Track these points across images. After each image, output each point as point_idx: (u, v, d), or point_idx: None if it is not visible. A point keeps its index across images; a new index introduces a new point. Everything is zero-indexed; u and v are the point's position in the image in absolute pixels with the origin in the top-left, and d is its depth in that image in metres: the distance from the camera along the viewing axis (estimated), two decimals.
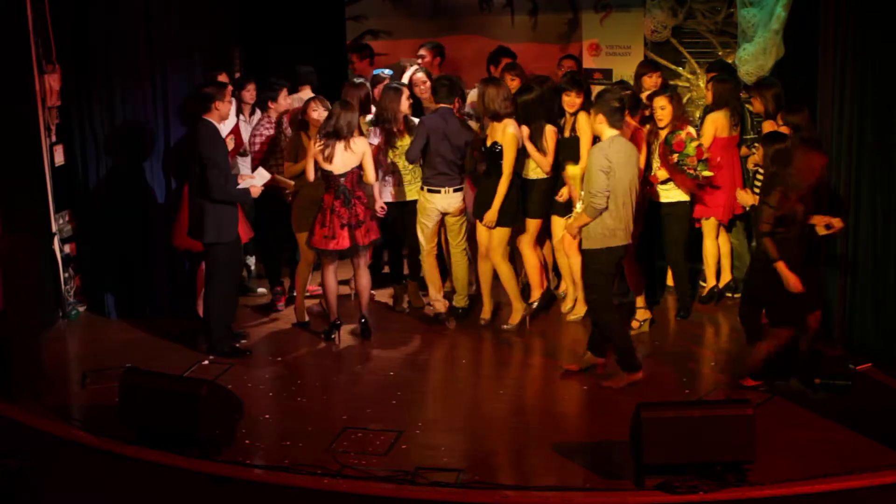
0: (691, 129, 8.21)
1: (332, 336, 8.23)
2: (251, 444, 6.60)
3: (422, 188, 8.38)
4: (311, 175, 7.93)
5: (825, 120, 7.56)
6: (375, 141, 8.49)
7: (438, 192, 8.29)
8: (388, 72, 9.44)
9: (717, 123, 8.37)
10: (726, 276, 8.75)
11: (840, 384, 7.09)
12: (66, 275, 8.79)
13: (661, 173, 8.21)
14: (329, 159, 7.82)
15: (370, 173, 7.98)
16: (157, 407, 6.46)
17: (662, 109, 8.10)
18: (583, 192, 7.21)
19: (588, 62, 10.26)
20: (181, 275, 8.84)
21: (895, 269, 7.27)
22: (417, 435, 6.72)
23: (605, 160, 6.96)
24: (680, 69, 9.65)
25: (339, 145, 7.83)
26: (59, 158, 8.72)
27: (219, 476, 6.24)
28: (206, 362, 7.86)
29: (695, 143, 8.06)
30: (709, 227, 8.58)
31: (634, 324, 8.24)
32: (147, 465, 6.38)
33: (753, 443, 5.90)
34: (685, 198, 8.32)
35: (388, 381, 7.60)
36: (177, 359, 7.83)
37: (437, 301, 8.59)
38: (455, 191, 8.33)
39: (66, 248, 8.81)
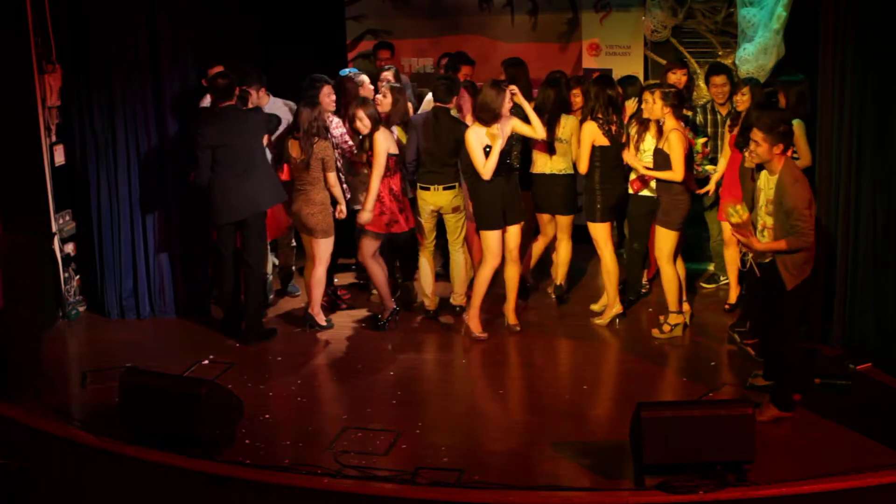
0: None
1: (388, 323, 8.41)
2: (251, 444, 6.60)
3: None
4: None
5: (825, 120, 7.55)
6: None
7: (428, 188, 8.35)
8: (354, 70, 9.42)
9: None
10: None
11: (840, 384, 7.09)
12: (66, 275, 8.80)
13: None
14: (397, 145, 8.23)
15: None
16: (157, 407, 6.46)
17: (648, 104, 7.98)
18: (762, 212, 6.63)
19: (588, 62, 10.28)
20: (181, 274, 8.84)
21: (895, 269, 7.27)
22: (417, 435, 6.72)
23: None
24: None
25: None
26: (59, 158, 8.72)
27: (219, 476, 6.25)
28: (206, 362, 7.86)
29: (701, 140, 8.11)
30: (729, 235, 8.31)
31: (666, 328, 8.15)
32: (147, 465, 6.38)
33: (753, 443, 5.91)
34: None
35: (388, 381, 7.60)
36: (177, 359, 7.82)
37: (426, 298, 8.64)
38: (446, 188, 8.33)
39: (67, 248, 8.81)
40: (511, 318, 8.33)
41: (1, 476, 6.28)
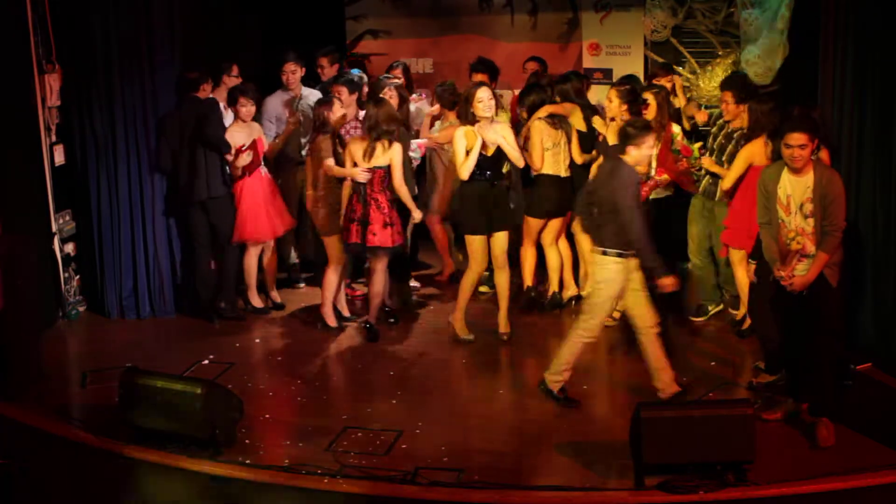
0: (675, 128, 8.19)
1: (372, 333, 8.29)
2: (251, 444, 6.61)
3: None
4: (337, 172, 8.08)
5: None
6: None
7: None
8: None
9: (753, 156, 7.47)
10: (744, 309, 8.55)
11: (840, 384, 7.08)
12: (66, 275, 8.80)
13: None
14: (367, 156, 7.92)
15: (397, 177, 7.93)
16: (157, 407, 6.47)
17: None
18: (809, 220, 6.31)
19: (588, 62, 10.28)
20: (181, 274, 8.84)
21: (895, 269, 7.27)
22: (417, 435, 6.72)
23: None
24: (680, 69, 9.65)
25: (377, 144, 7.90)
26: (59, 158, 8.72)
27: (219, 476, 6.25)
28: (206, 362, 7.86)
29: (697, 145, 8.11)
30: (738, 257, 7.95)
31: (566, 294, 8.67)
32: (147, 465, 6.39)
33: (753, 443, 5.91)
34: (668, 192, 8.25)
35: (388, 381, 7.60)
36: (177, 359, 7.82)
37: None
38: None
39: (67, 248, 8.82)
40: (503, 326, 8.17)
41: (1, 476, 6.27)
